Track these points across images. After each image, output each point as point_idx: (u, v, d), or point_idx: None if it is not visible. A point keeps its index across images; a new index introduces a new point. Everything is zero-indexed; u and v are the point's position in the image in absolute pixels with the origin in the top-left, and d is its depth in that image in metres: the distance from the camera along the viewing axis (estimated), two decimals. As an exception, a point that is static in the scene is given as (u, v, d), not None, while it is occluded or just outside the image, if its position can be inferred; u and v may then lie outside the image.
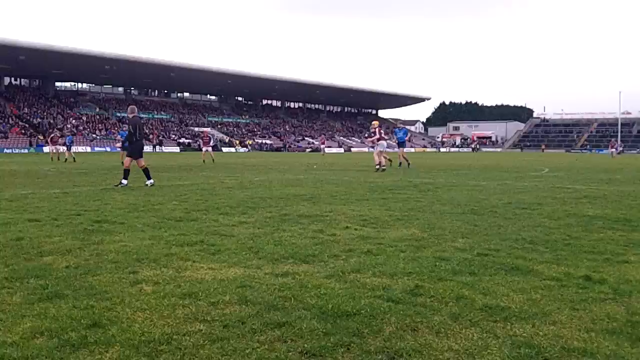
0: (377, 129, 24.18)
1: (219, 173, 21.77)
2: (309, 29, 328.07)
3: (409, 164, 26.26)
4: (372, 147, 26.67)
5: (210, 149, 33.99)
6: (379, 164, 23.13)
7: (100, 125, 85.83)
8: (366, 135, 29.41)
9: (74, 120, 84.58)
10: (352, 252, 6.04)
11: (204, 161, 32.04)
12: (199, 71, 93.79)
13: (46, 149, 34.30)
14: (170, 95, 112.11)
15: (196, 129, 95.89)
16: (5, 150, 63.55)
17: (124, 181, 14.59)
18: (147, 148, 79.52)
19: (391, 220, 8.50)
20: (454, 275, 5.05)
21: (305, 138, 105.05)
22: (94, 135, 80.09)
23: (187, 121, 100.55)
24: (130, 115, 15.28)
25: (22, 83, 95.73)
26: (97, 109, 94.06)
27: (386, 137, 25.95)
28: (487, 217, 8.90)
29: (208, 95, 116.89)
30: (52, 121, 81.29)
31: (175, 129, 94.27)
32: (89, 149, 69.30)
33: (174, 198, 11.64)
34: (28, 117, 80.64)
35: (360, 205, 10.47)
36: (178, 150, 78.56)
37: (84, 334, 3.53)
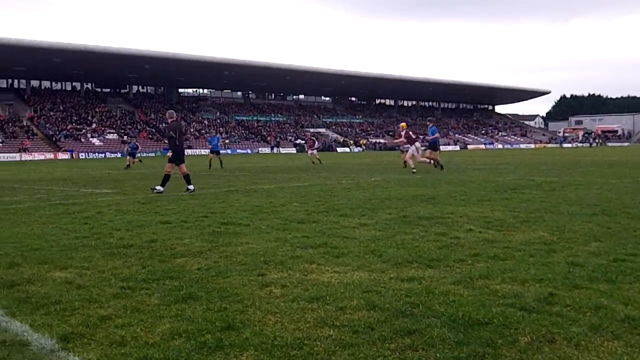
0: (404, 131, 22.93)
1: (335, 174, 21.96)
2: (420, 28, 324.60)
3: (437, 165, 23.20)
4: (399, 148, 25.41)
5: (315, 151, 34.35)
6: (406, 163, 23.04)
7: (221, 128, 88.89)
8: (394, 135, 27.89)
9: (196, 125, 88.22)
10: (479, 256, 5.88)
11: (313, 162, 32.43)
12: (313, 73, 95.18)
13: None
14: (286, 97, 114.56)
15: (311, 130, 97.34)
16: (137, 154, 67.13)
17: (160, 187, 14.27)
18: (265, 149, 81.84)
19: (516, 222, 8.21)
20: (590, 282, 4.79)
21: (420, 136, 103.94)
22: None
23: (303, 122, 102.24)
24: (170, 120, 14.91)
25: (149, 90, 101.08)
26: (218, 113, 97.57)
27: (418, 139, 23.47)
28: (620, 218, 8.40)
29: (322, 97, 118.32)
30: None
31: (291, 130, 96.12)
32: (207, 152, 71.91)
33: (295, 200, 11.84)
34: (154, 123, 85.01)
35: (482, 206, 10.20)
36: (294, 152, 79.95)
37: (219, 337, 3.64)
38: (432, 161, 22.99)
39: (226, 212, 9.94)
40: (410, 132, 22.80)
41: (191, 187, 14.32)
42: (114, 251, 6.49)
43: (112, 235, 7.60)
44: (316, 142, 37.51)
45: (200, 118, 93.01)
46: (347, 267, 5.49)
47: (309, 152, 34.60)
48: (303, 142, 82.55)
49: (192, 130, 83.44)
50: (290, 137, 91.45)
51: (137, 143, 37.37)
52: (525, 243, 6.54)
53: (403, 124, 24.68)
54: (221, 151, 33.15)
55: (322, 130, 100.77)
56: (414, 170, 20.94)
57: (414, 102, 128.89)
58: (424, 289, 4.67)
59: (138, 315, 4.10)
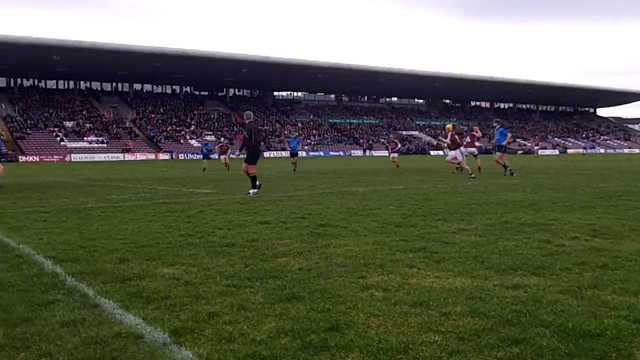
0: (449, 134, 22.07)
1: (430, 177, 21.72)
2: (517, 30, 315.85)
3: (506, 169, 22.30)
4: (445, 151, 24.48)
5: (396, 155, 34.18)
6: (459, 167, 22.61)
7: (314, 131, 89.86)
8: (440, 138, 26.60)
9: (289, 127, 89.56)
10: (586, 265, 5.66)
11: (397, 166, 32.28)
12: (407, 75, 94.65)
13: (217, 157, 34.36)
14: (379, 100, 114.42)
15: (404, 132, 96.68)
16: (232, 155, 68.85)
17: (254, 190, 14.40)
18: (357, 152, 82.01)
19: (625, 230, 7.84)
20: None
21: (517, 140, 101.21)
22: (308, 141, 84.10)
23: (395, 125, 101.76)
24: (247, 121, 14.83)
25: (244, 93, 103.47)
26: (311, 116, 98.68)
27: (463, 142, 22.22)
28: None
29: (415, 99, 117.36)
30: (270, 128, 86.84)
31: (383, 133, 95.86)
32: (303, 154, 72.86)
33: (390, 203, 11.80)
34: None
35: (587, 213, 9.81)
36: (387, 154, 79.63)
37: (324, 337, 3.67)
38: (459, 167, 23.04)
39: (323, 213, 10.03)
40: (456, 136, 22.06)
41: (254, 190, 14.38)
42: (218, 249, 6.68)
43: (215, 234, 7.83)
44: (398, 145, 37.21)
45: (294, 121, 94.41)
46: (449, 273, 5.41)
47: (392, 155, 34.44)
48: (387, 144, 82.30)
49: (285, 132, 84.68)
50: (382, 140, 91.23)
51: (210, 145, 36.66)
52: (636, 253, 6.23)
53: (449, 125, 23.80)
54: (311, 153, 33.40)
55: (415, 133, 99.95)
56: (473, 176, 20.66)
57: (510, 105, 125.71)
58: (530, 297, 4.54)
59: (244, 313, 4.20)
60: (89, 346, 3.53)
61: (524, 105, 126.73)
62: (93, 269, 5.66)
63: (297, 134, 78.15)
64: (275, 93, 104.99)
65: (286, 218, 9.47)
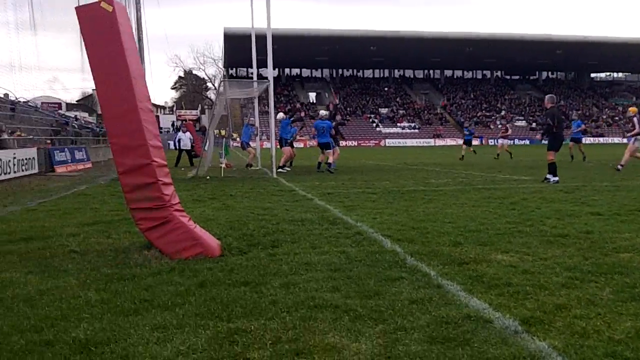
0: (635, 117, 16.93)
1: None
2: None
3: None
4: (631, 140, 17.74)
5: (506, 141, 29.52)
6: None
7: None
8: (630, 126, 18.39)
9: (608, 111, 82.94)
10: None
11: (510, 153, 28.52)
12: None
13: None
14: None
15: None
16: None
17: (553, 177, 13.72)
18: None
19: None
20: None
21: None
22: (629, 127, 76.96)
23: None
24: (549, 106, 14.07)
25: (558, 76, 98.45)
26: (634, 99, 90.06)
27: None
28: None
29: None
30: (587, 113, 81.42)
31: None
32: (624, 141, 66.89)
33: None
34: (564, 109, 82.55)
35: None
36: None
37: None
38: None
39: (663, 207, 9.05)
40: None
41: (552, 178, 13.76)
42: (551, 239, 6.43)
43: (544, 223, 7.55)
44: (509, 130, 31.27)
45: (613, 104, 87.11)
46: None
47: (500, 141, 29.75)
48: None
49: (604, 117, 78.63)
50: None
51: (472, 129, 33.60)
52: None
53: (633, 108, 18.21)
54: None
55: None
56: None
57: None
58: None
59: (594, 309, 3.96)
60: (440, 325, 3.65)
61: None
62: (429, 250, 5.87)
63: (576, 117, 71.83)
64: (593, 75, 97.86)
65: (619, 210, 8.75)
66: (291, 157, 20.56)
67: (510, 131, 32.33)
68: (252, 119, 23.16)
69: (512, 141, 31.04)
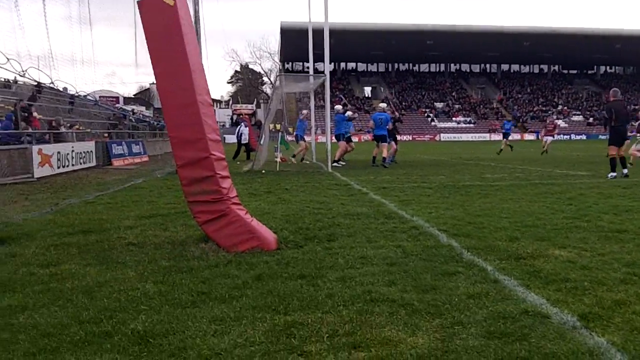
0: None
1: None
2: None
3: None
4: None
5: (550, 138, 27.76)
6: None
7: (702, 109, 78.87)
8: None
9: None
10: None
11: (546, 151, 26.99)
12: None
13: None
14: None
15: None
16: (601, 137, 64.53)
17: (612, 173, 13.55)
18: None
19: None
20: None
21: None
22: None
23: None
24: (611, 99, 13.88)
25: (617, 71, 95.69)
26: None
27: None
28: None
29: None
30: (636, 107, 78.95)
31: None
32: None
33: None
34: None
35: None
36: None
37: None
38: None
39: None
40: None
41: (611, 174, 13.64)
42: (609, 235, 6.32)
43: (601, 219, 7.41)
44: (556, 128, 29.49)
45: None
46: None
47: (545, 137, 28.14)
48: None
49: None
50: None
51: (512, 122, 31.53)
52: None
53: None
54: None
55: None
56: None
57: None
58: None
59: (657, 306, 3.90)
60: (497, 320, 3.65)
61: None
62: (485, 245, 5.84)
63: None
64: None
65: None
66: (346, 151, 20.58)
67: (557, 129, 31.28)
68: (304, 111, 23.27)
69: (555, 137, 28.80)
